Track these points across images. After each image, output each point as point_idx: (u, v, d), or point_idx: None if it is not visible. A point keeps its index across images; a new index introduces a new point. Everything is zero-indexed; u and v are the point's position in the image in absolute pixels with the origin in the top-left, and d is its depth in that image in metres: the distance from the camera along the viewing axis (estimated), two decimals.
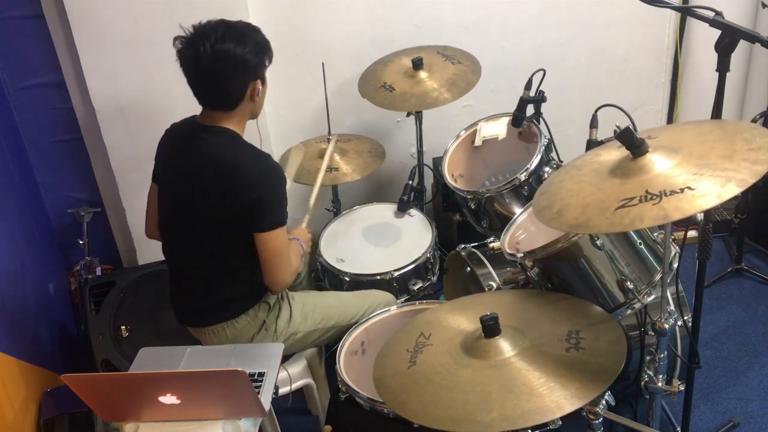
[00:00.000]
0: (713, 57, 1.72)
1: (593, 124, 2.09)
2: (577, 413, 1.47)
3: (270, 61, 1.99)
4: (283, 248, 1.97)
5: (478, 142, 2.61)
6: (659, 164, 1.53)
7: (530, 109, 2.52)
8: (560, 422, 1.51)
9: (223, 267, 2.02)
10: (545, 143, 2.39)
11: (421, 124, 2.87)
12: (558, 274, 1.88)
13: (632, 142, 1.56)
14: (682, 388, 1.84)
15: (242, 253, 1.98)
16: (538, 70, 2.47)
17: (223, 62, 1.85)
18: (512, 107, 2.52)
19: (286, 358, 2.21)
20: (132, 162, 2.78)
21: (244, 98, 1.93)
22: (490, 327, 1.59)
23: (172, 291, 2.15)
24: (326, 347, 2.41)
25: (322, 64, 2.63)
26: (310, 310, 2.20)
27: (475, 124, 2.66)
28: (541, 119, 2.52)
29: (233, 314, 2.06)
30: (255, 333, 2.09)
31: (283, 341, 2.12)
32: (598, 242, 1.77)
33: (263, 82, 1.97)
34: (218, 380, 1.63)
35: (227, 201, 1.91)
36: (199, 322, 2.08)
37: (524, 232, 2.16)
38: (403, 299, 2.44)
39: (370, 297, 2.31)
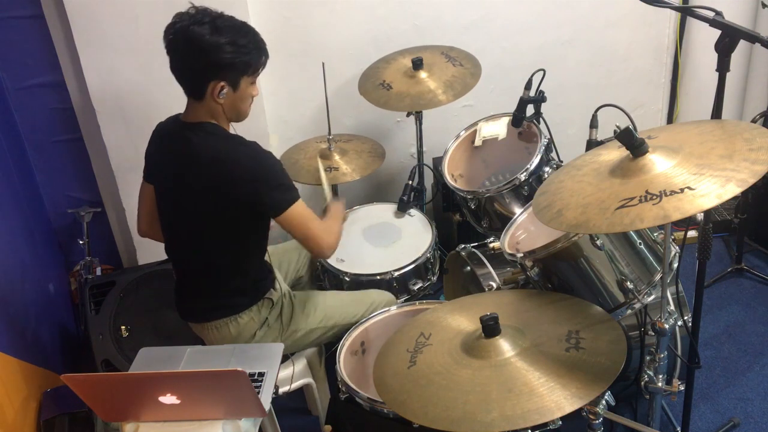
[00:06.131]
0: (713, 57, 1.72)
1: (593, 124, 2.09)
2: (577, 413, 1.47)
3: (252, 72, 1.90)
4: (308, 218, 1.95)
5: (478, 142, 2.61)
6: (659, 164, 1.53)
7: (530, 109, 2.52)
8: (560, 422, 1.51)
9: (223, 262, 2.02)
10: (545, 143, 2.39)
11: (421, 124, 2.87)
12: (558, 274, 1.88)
13: (632, 142, 1.56)
14: (682, 388, 1.84)
15: (240, 248, 1.99)
16: (538, 70, 2.47)
17: (190, 46, 1.80)
18: (512, 107, 2.52)
19: (286, 357, 2.21)
20: (132, 162, 2.78)
21: (206, 94, 1.86)
22: (490, 327, 1.59)
23: (176, 288, 2.16)
24: (326, 347, 2.41)
25: (322, 64, 2.63)
26: (312, 308, 2.20)
27: (475, 124, 2.66)
28: (541, 119, 2.52)
29: (236, 310, 2.06)
30: (257, 329, 2.09)
31: (284, 339, 2.13)
32: (598, 242, 1.77)
33: (234, 87, 1.87)
34: (218, 380, 1.63)
35: (223, 196, 1.91)
36: (203, 318, 2.08)
37: (524, 232, 2.16)
38: (403, 299, 2.44)
39: (369, 297, 2.31)
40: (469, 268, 2.37)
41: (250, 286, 2.06)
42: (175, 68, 1.89)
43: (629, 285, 1.81)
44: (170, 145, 1.99)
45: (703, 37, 3.18)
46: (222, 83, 1.86)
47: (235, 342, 2.08)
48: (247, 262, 2.04)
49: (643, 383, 1.88)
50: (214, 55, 1.81)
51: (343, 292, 2.41)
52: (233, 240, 1.98)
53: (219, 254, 2.02)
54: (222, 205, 1.93)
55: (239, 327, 2.07)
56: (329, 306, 2.24)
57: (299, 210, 1.94)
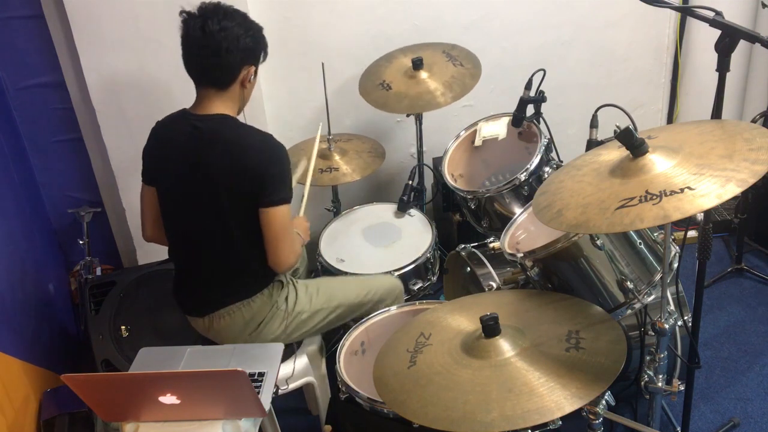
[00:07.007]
0: (713, 57, 1.72)
1: (593, 124, 2.09)
2: (577, 413, 1.47)
3: (264, 58, 2.04)
4: (288, 225, 1.99)
5: (478, 142, 2.62)
6: (659, 164, 1.53)
7: (530, 109, 2.52)
8: (560, 422, 1.51)
9: (237, 248, 2.02)
10: (545, 143, 2.39)
11: (421, 124, 2.87)
12: (558, 274, 1.88)
13: (632, 142, 1.56)
14: (682, 388, 1.84)
15: (255, 231, 1.99)
16: (538, 70, 2.47)
17: (227, 34, 1.90)
18: (512, 107, 2.52)
19: (291, 351, 2.22)
20: (132, 162, 2.77)
21: (236, 79, 1.96)
22: (490, 327, 1.59)
23: (179, 286, 2.16)
24: (326, 346, 2.41)
25: (322, 64, 2.63)
26: (314, 290, 2.22)
27: (475, 124, 2.66)
28: (541, 119, 2.53)
29: (250, 293, 2.07)
30: (267, 312, 2.10)
31: (290, 322, 2.14)
32: (598, 242, 1.77)
33: (255, 73, 2.02)
34: (218, 380, 1.63)
35: (237, 181, 1.93)
36: (216, 306, 2.08)
37: (524, 232, 2.16)
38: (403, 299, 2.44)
39: (372, 280, 2.33)
40: (469, 268, 2.37)
41: (261, 268, 2.05)
42: (204, 59, 1.94)
43: (629, 285, 1.81)
44: (181, 137, 2.00)
45: (703, 37, 3.18)
46: (253, 68, 2.00)
47: (246, 327, 2.09)
48: (259, 245, 2.03)
49: (643, 383, 1.88)
50: (249, 43, 1.95)
51: (345, 276, 2.43)
52: (246, 224, 1.98)
53: (232, 241, 2.01)
54: (237, 189, 1.94)
55: (252, 311, 2.08)
56: (332, 287, 2.26)
57: (286, 212, 1.97)
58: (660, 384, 1.85)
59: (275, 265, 2.02)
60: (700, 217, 1.80)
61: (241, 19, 1.94)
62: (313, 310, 2.19)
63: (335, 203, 2.94)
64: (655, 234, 1.87)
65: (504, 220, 2.29)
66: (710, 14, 1.69)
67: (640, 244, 1.83)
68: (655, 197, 1.45)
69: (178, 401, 1.66)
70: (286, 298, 2.15)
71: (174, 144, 2.03)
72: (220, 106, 1.98)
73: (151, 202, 2.13)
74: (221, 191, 1.96)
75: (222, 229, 2.01)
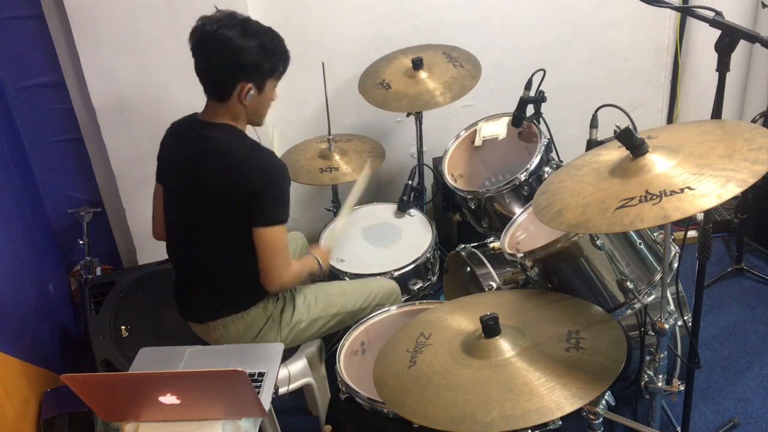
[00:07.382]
0: (713, 57, 1.72)
1: (593, 124, 2.09)
2: (577, 413, 1.47)
3: (278, 74, 1.97)
4: (281, 247, 1.96)
5: (478, 142, 2.62)
6: (659, 164, 1.53)
7: (530, 109, 2.52)
8: (560, 422, 1.51)
9: (234, 259, 2.02)
10: (545, 143, 2.39)
11: (421, 124, 2.87)
12: (558, 274, 1.88)
13: (632, 142, 1.56)
14: (682, 388, 1.84)
15: (251, 245, 1.98)
16: (538, 70, 2.47)
17: (219, 47, 1.84)
18: (512, 107, 2.52)
19: (291, 352, 2.22)
20: (132, 162, 2.79)
21: (232, 94, 1.90)
22: (490, 327, 1.59)
23: (178, 290, 2.16)
24: (326, 347, 2.41)
25: (322, 64, 2.63)
26: (312, 299, 2.21)
27: (475, 124, 2.66)
28: (541, 119, 2.53)
29: (246, 305, 2.06)
30: (263, 325, 2.09)
31: (288, 332, 2.13)
32: (598, 242, 1.77)
33: (259, 90, 1.93)
34: (218, 380, 1.63)
35: (234, 195, 1.92)
36: (211, 316, 2.07)
37: (524, 232, 2.16)
38: (403, 299, 2.44)
39: (370, 284, 2.32)
40: (469, 268, 2.37)
41: (258, 282, 2.05)
42: (201, 69, 1.91)
43: (629, 285, 1.81)
44: (186, 142, 2.00)
45: (703, 37, 3.18)
46: (249, 85, 1.89)
47: (242, 339, 2.08)
48: (255, 257, 2.03)
49: (643, 383, 1.88)
50: (243, 57, 1.85)
51: (343, 282, 2.42)
52: (244, 237, 1.98)
53: (228, 251, 2.01)
54: (233, 203, 1.93)
55: (247, 323, 2.07)
56: (330, 295, 2.24)
57: (278, 233, 1.94)
58: (660, 384, 1.85)
59: (265, 284, 1.98)
60: (700, 217, 1.80)
61: (245, 30, 1.85)
62: (312, 319, 2.18)
63: (335, 203, 2.94)
64: (655, 234, 1.87)
65: (504, 220, 2.29)
66: (710, 14, 1.69)
67: (640, 244, 1.83)
68: (655, 197, 1.45)
69: (178, 401, 1.66)
70: (282, 311, 2.13)
71: (180, 148, 2.03)
72: (224, 116, 1.95)
73: (161, 201, 2.13)
74: (220, 200, 1.95)
75: (220, 235, 2.00)
